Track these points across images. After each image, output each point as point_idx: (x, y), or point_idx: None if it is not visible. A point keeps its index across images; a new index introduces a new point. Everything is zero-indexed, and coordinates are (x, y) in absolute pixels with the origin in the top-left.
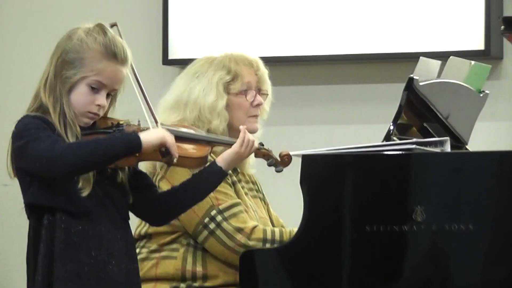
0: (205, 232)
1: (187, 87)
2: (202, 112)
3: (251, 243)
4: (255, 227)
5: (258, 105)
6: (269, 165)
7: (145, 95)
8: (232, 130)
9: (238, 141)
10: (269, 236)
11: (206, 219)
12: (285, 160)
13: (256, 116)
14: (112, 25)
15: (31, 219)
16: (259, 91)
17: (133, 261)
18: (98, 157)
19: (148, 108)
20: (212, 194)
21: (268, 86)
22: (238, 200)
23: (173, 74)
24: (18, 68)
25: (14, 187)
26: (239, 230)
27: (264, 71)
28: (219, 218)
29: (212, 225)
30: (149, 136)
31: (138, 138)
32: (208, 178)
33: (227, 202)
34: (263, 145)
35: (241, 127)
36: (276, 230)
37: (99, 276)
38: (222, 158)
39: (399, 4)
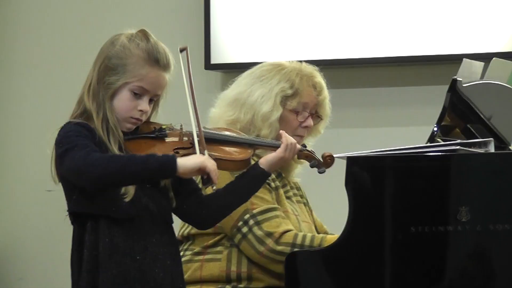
0: (239, 236)
1: (248, 88)
2: (255, 118)
3: (278, 248)
4: (286, 231)
5: (307, 127)
6: (312, 166)
7: (194, 102)
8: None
9: (282, 146)
10: (299, 241)
11: (240, 223)
12: (328, 161)
13: (301, 136)
14: (182, 50)
15: (74, 225)
16: (315, 113)
17: (177, 264)
18: (127, 174)
19: (195, 113)
20: None
21: (325, 111)
22: (274, 205)
23: (216, 78)
24: (63, 74)
25: (57, 192)
26: (269, 234)
27: (325, 96)
28: (251, 222)
29: (245, 229)
30: (187, 162)
31: (175, 163)
32: (252, 180)
33: (261, 206)
34: (305, 146)
35: (281, 131)
36: (308, 235)
37: (145, 280)
38: (266, 160)
39: (441, 6)
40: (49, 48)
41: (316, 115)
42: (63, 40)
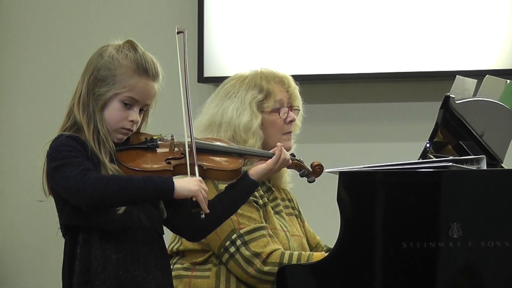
0: (226, 255)
1: (220, 108)
2: (237, 132)
3: (265, 268)
4: (273, 251)
5: (292, 121)
6: (302, 175)
7: (189, 113)
8: (267, 147)
9: (274, 158)
10: (285, 260)
11: (227, 243)
12: (317, 170)
13: (290, 133)
14: (179, 32)
15: (66, 238)
16: (291, 107)
17: (168, 275)
18: (126, 196)
19: (188, 124)
20: (234, 218)
21: (299, 102)
22: (262, 224)
23: (208, 91)
24: (56, 84)
25: (49, 203)
26: (256, 255)
27: (295, 87)
28: (238, 242)
29: (232, 249)
30: (184, 187)
31: (172, 187)
32: (242, 191)
33: (249, 226)
34: (294, 156)
35: (278, 144)
36: (295, 254)
37: None
38: (256, 171)
39: (434, 23)
40: (41, 59)
41: (294, 108)
42: (57, 50)
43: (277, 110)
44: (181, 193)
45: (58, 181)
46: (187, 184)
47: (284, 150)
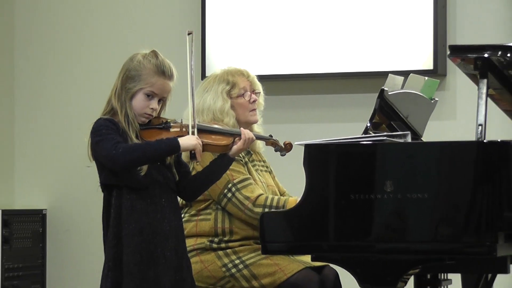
0: (225, 200)
1: (201, 99)
2: (215, 114)
3: (255, 209)
4: (259, 195)
5: (254, 101)
6: (276, 151)
7: (193, 105)
8: (241, 123)
9: (242, 141)
10: (268, 202)
11: (225, 190)
12: (288, 147)
13: (254, 110)
14: (189, 33)
15: (104, 192)
16: (253, 91)
17: (179, 219)
18: (148, 156)
19: (192, 113)
20: (228, 172)
21: (259, 86)
22: (249, 176)
23: None
24: (90, 80)
25: (93, 168)
26: (247, 198)
27: (253, 76)
28: (233, 189)
29: (229, 194)
30: (186, 142)
31: (178, 143)
32: (221, 164)
33: (239, 177)
34: (271, 136)
35: (241, 129)
36: (275, 198)
37: (156, 231)
38: (232, 151)
39: (374, 34)
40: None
41: (255, 92)
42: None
43: (242, 95)
44: (185, 147)
45: (98, 151)
46: (188, 140)
47: (246, 132)
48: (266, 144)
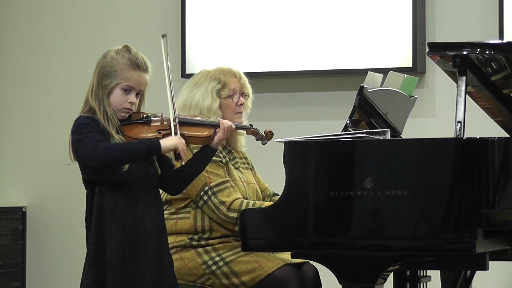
0: (201, 202)
1: (190, 94)
2: (202, 112)
3: (230, 214)
4: (235, 200)
5: (241, 104)
6: (257, 139)
7: (173, 99)
8: None
9: (221, 130)
10: (243, 207)
11: (202, 192)
12: (268, 135)
13: (240, 112)
14: (163, 36)
15: (87, 189)
16: (242, 94)
17: (161, 215)
18: (127, 156)
19: (172, 107)
20: (205, 174)
21: (249, 90)
22: (226, 179)
23: None
24: (70, 79)
25: (74, 166)
26: (222, 202)
27: (245, 79)
28: (209, 192)
29: (205, 197)
30: (167, 143)
31: (159, 145)
32: (205, 155)
33: (216, 180)
34: (252, 125)
35: (219, 119)
36: (251, 202)
37: (138, 227)
38: (214, 141)
39: (355, 34)
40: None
41: (244, 95)
42: (57, 52)
43: (231, 97)
44: (166, 148)
45: (79, 150)
46: (169, 141)
47: (224, 122)
48: (247, 134)
